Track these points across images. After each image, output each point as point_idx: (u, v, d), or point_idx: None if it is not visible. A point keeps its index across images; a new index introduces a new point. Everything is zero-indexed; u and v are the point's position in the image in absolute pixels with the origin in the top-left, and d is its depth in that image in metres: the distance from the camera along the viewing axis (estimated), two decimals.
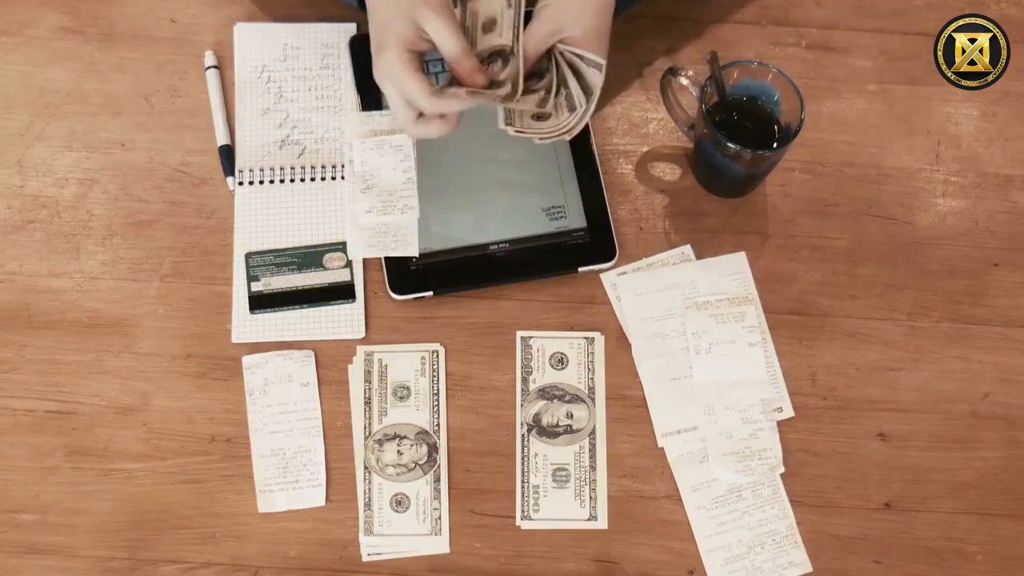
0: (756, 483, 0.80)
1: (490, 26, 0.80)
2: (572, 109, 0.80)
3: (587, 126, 0.88)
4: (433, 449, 0.81)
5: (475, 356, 0.84)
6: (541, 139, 0.81)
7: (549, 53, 0.81)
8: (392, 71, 0.76)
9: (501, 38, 0.79)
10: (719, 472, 0.80)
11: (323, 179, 0.88)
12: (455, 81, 0.77)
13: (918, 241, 0.88)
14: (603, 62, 0.79)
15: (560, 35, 0.79)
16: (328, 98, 0.91)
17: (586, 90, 0.80)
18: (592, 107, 0.80)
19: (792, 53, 0.94)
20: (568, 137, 0.81)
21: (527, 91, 0.81)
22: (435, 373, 0.83)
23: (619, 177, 0.90)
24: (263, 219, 0.86)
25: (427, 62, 0.85)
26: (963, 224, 0.89)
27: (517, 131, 0.80)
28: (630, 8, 0.86)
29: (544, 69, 0.81)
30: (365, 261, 0.86)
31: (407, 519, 0.79)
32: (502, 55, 0.80)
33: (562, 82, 0.81)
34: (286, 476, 0.80)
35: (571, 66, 0.80)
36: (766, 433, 0.81)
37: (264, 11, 0.93)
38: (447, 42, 0.75)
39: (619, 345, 0.84)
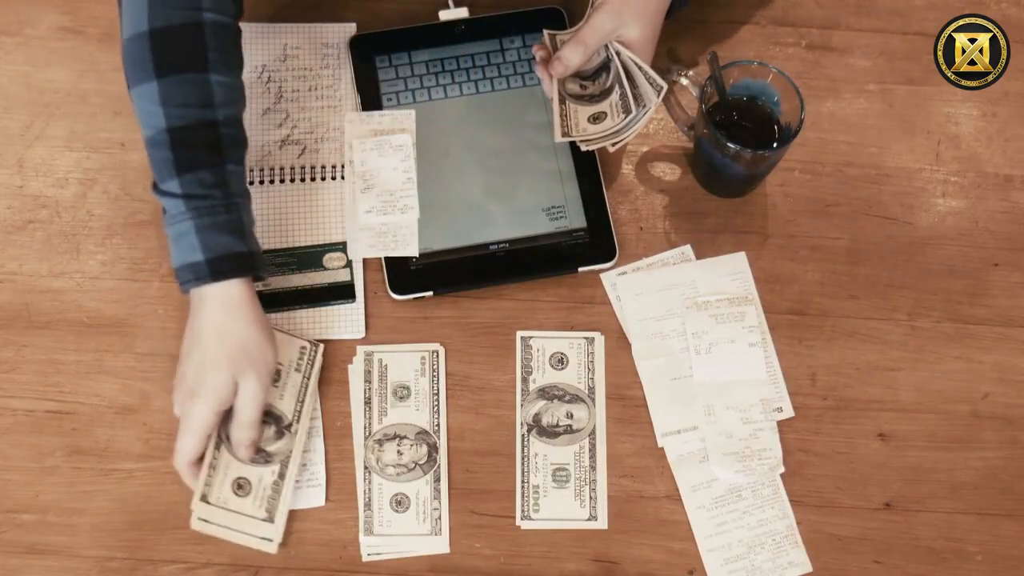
0: (756, 483, 0.80)
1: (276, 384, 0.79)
2: (627, 112, 0.82)
3: None
4: (433, 449, 0.81)
5: (475, 356, 0.84)
6: (587, 146, 0.83)
7: (605, 54, 0.84)
8: (187, 420, 0.73)
9: (282, 402, 0.79)
10: (719, 472, 0.80)
11: (323, 179, 0.88)
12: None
13: (918, 241, 0.88)
14: (665, 85, 0.81)
15: (618, 31, 0.81)
16: (328, 98, 0.91)
17: (638, 100, 0.82)
18: (640, 123, 0.82)
19: (792, 53, 0.94)
20: (612, 147, 0.83)
21: (580, 98, 0.84)
22: (435, 373, 0.83)
23: (619, 177, 0.90)
24: (263, 219, 0.86)
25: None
26: (963, 224, 0.89)
27: (568, 138, 0.83)
28: (679, 12, 0.86)
29: (599, 68, 0.85)
30: (365, 261, 0.86)
31: (407, 519, 0.79)
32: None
33: (617, 81, 0.83)
34: None
35: (625, 69, 0.82)
36: (766, 433, 0.81)
37: (264, 11, 0.93)
38: (249, 407, 0.74)
39: (619, 345, 0.84)
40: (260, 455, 0.77)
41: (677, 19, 0.87)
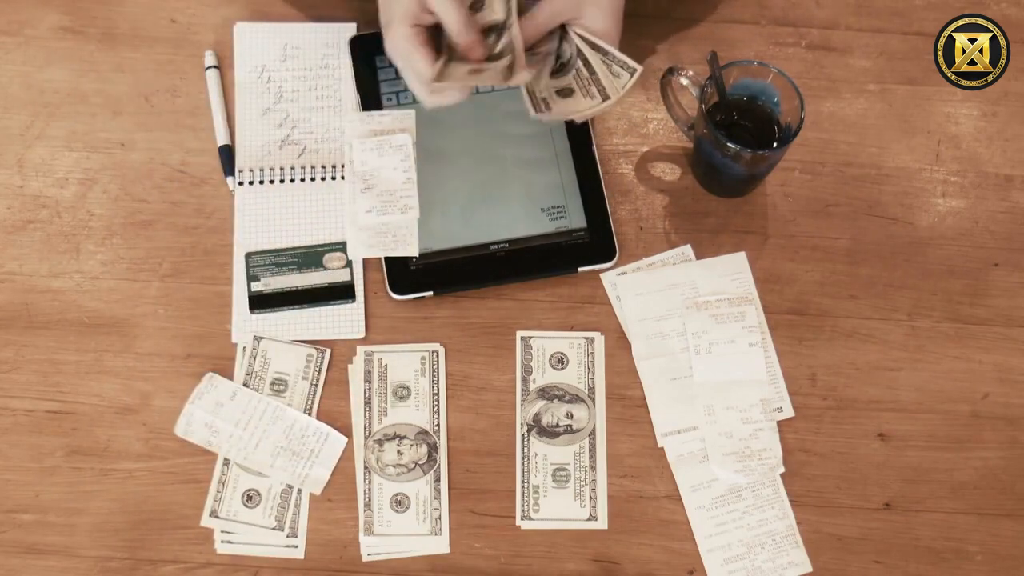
0: (756, 483, 0.80)
1: (478, 5, 0.79)
2: (603, 92, 0.80)
3: (588, 127, 0.88)
4: (433, 449, 0.81)
5: (475, 356, 0.84)
6: (582, 117, 0.82)
7: (559, 34, 0.81)
8: (399, 47, 0.77)
9: (494, 14, 0.78)
10: (719, 472, 0.80)
11: (323, 179, 0.88)
12: (457, 54, 0.77)
13: (918, 241, 0.88)
14: (638, 67, 0.78)
15: (575, 17, 0.79)
16: (328, 98, 0.91)
17: (601, 91, 0.80)
18: (601, 109, 0.80)
19: (792, 53, 0.94)
20: (578, 117, 0.81)
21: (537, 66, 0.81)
22: (435, 373, 0.83)
23: (619, 177, 0.90)
24: (263, 219, 0.86)
25: None
26: (963, 224, 0.89)
27: (544, 116, 0.81)
28: None
29: (557, 51, 0.82)
30: (365, 261, 0.86)
31: (407, 519, 0.79)
32: (495, 29, 0.78)
33: (584, 62, 0.80)
34: None
35: (583, 56, 0.80)
36: (766, 433, 0.81)
37: (264, 11, 0.93)
38: (448, 15, 0.75)
39: (619, 345, 0.84)
40: (492, 59, 0.77)
41: (678, 19, 0.86)
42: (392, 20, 0.77)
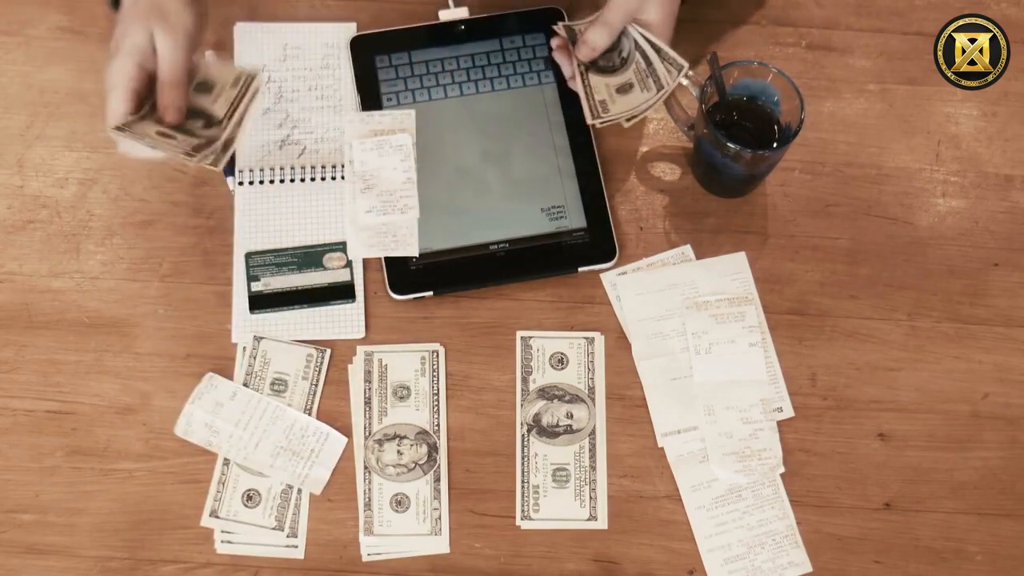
0: (756, 483, 0.80)
1: (205, 88, 0.80)
2: (658, 87, 0.84)
3: (589, 127, 0.88)
4: (433, 449, 0.81)
5: (475, 356, 0.84)
6: (629, 120, 0.86)
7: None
8: (111, 77, 0.75)
9: (214, 105, 0.79)
10: (719, 472, 0.80)
11: (323, 179, 0.88)
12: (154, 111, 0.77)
13: (918, 241, 0.88)
14: (686, 64, 0.83)
15: (640, 13, 0.83)
16: (328, 98, 0.91)
17: (657, 83, 0.84)
18: (656, 101, 0.84)
19: (792, 53, 0.94)
20: (627, 122, 0.86)
21: (602, 70, 0.85)
22: (435, 373, 0.83)
23: (619, 177, 0.90)
24: (263, 219, 0.86)
25: None
26: (963, 224, 0.89)
27: (601, 120, 0.84)
28: None
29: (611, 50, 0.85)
30: (365, 261, 0.86)
31: (407, 519, 0.79)
32: (207, 118, 0.79)
33: (640, 55, 0.84)
34: None
35: (642, 50, 0.84)
36: (766, 433, 0.81)
37: (264, 11, 0.93)
38: (167, 62, 0.75)
39: (619, 345, 0.84)
40: (186, 132, 0.77)
41: (678, 19, 0.86)
42: (119, 50, 0.75)
